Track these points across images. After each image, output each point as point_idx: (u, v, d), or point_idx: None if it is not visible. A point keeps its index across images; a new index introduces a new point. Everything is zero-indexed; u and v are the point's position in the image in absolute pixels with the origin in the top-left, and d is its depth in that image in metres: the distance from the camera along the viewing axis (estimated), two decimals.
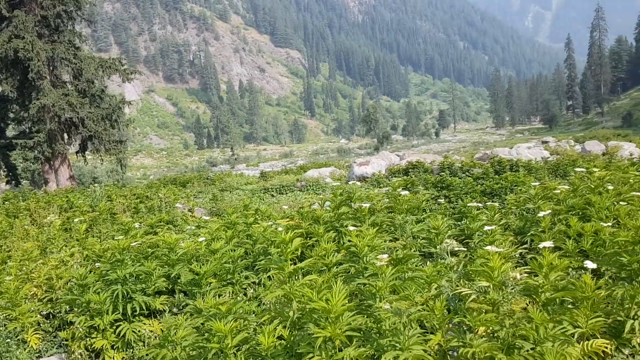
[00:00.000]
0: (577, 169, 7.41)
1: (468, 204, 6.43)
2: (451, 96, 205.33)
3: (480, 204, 6.64)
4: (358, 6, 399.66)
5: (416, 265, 5.17)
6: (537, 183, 7.19)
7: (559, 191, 6.29)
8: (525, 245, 5.62)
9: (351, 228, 5.05)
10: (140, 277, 5.95)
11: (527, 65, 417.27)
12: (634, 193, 5.87)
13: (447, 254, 4.07)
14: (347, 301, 3.13)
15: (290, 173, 32.41)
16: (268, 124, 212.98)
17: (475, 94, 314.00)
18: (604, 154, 30.20)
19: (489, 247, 3.59)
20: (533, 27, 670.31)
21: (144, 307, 5.62)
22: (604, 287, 3.95)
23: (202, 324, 4.21)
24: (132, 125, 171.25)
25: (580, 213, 5.73)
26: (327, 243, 5.31)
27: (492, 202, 12.28)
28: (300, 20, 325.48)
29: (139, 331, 5.47)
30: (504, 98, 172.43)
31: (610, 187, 6.06)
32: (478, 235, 5.80)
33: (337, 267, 4.74)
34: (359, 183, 12.64)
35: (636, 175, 7.24)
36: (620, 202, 5.63)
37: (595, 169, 7.43)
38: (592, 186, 6.23)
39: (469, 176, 19.04)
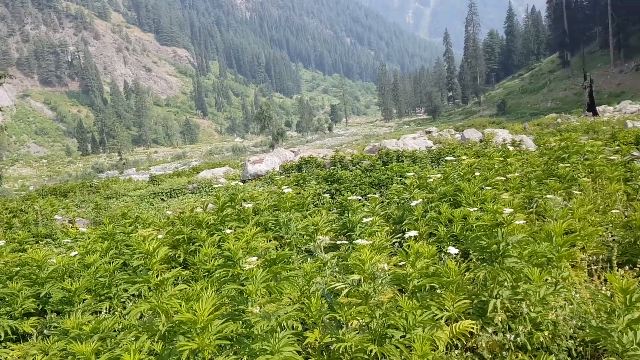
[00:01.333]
0: (448, 158, 7.82)
1: (349, 197, 6.54)
2: (341, 91, 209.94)
3: (359, 197, 6.77)
4: (245, 3, 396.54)
5: (300, 263, 5.17)
6: (412, 173, 7.49)
7: (432, 179, 6.58)
8: (401, 234, 5.81)
9: (228, 231, 4.94)
10: (6, 299, 5.47)
11: (411, 60, 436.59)
12: (498, 178, 6.28)
13: (321, 250, 4.10)
14: (214, 309, 3.03)
15: (183, 175, 31.54)
16: (158, 125, 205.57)
17: (364, 88, 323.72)
18: (481, 141, 32.23)
19: (359, 241, 3.64)
20: (414, 23, 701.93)
21: (10, 332, 5.17)
22: (473, 269, 4.15)
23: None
24: (6, 133, 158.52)
25: (451, 200, 6.03)
26: (209, 247, 5.17)
27: (380, 192, 12.67)
28: (186, 17, 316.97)
29: (5, 358, 5.01)
30: (390, 91, 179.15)
31: (478, 174, 6.43)
32: (360, 227, 5.92)
33: (219, 272, 4.62)
34: (241, 184, 12.53)
35: (501, 161, 7.76)
36: (487, 187, 6.00)
37: (464, 157, 7.88)
38: (462, 173, 6.59)
39: (358, 169, 19.53)
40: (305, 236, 5.94)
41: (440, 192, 6.11)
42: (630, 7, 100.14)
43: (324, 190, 14.46)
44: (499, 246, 3.79)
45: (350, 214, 6.18)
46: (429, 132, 43.76)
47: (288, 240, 5.90)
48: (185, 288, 3.59)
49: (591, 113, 43.92)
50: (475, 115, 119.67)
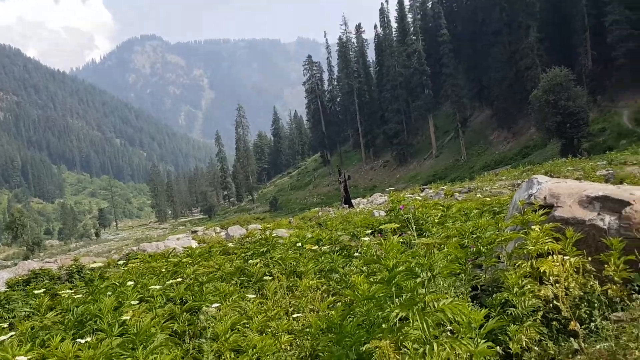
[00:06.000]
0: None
1: None
2: (111, 194, 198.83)
3: None
4: None
5: None
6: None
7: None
8: None
9: None
10: None
11: (185, 160, 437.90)
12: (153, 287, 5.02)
13: None
14: None
15: None
16: None
17: (137, 189, 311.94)
18: (245, 237, 31.77)
19: None
20: (187, 125, 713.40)
21: None
22: None
23: None
24: None
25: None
26: None
27: None
28: None
29: None
30: (164, 192, 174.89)
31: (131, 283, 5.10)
32: None
33: None
34: None
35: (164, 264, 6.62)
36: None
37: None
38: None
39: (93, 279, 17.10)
40: None
41: (78, 313, 4.58)
42: (373, 113, 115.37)
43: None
44: None
45: None
46: (195, 231, 42.46)
47: None
48: None
49: (347, 205, 47.12)
50: (251, 212, 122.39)
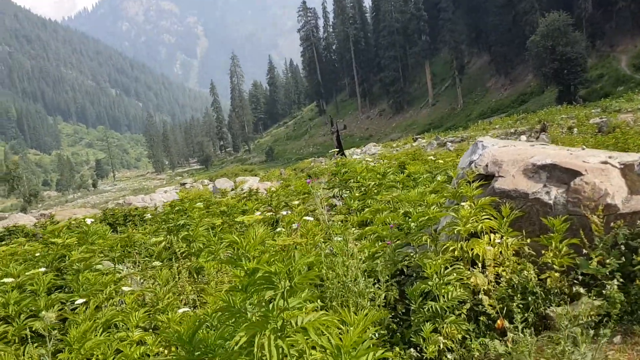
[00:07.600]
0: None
1: None
2: (107, 145, 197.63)
3: None
4: None
5: None
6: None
7: None
8: None
9: None
10: None
11: (181, 110, 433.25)
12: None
13: None
14: None
15: None
16: None
17: (134, 140, 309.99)
18: (233, 189, 31.46)
19: None
20: (182, 74, 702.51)
21: None
22: None
23: None
24: None
25: None
26: None
27: None
28: None
29: None
30: (160, 143, 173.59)
31: None
32: None
33: None
34: None
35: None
36: None
37: None
38: None
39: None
40: None
41: None
42: (369, 61, 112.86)
43: None
44: None
45: None
46: (184, 184, 42.11)
47: None
48: None
49: (340, 155, 46.48)
50: (247, 162, 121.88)
